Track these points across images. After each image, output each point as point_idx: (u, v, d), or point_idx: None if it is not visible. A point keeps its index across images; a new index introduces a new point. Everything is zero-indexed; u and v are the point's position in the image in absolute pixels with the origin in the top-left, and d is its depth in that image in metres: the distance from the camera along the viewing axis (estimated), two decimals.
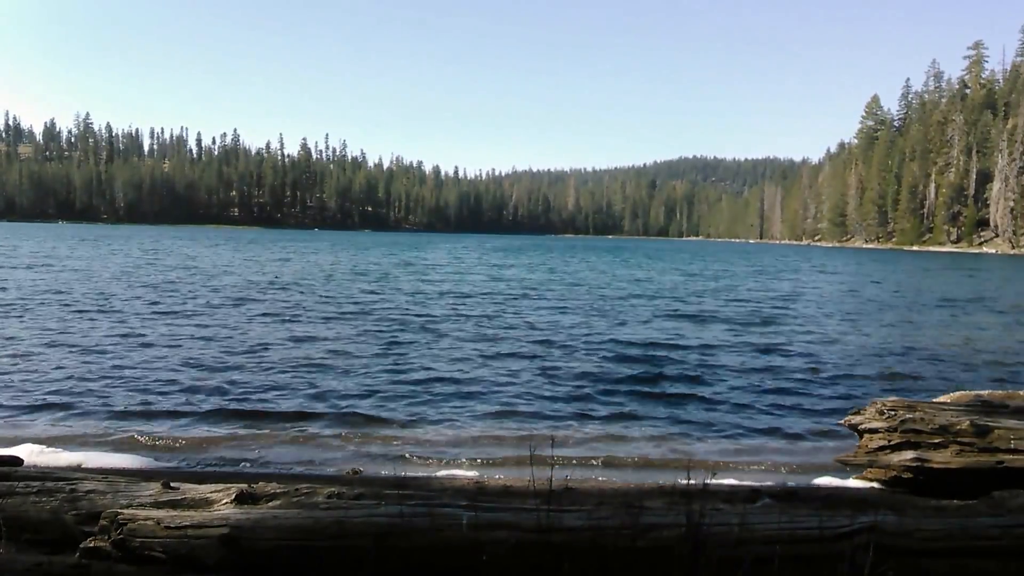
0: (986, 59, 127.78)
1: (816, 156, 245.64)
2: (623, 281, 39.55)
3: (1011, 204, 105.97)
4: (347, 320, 20.12)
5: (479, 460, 8.62)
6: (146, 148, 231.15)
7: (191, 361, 13.66)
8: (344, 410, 10.56)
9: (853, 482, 7.57)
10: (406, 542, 3.59)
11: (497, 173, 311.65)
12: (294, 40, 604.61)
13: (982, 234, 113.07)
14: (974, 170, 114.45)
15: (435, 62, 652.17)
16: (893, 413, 7.00)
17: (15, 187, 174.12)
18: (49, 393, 11.03)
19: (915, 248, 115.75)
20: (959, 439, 6.69)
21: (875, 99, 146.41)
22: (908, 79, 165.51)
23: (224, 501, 4.19)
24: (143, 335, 16.38)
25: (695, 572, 3.40)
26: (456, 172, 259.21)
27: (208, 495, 4.31)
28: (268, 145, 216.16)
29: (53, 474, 5.07)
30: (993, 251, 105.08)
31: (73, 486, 4.59)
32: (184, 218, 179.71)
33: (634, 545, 3.52)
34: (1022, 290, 38.92)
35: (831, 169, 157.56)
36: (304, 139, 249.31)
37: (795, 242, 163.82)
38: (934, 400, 7.55)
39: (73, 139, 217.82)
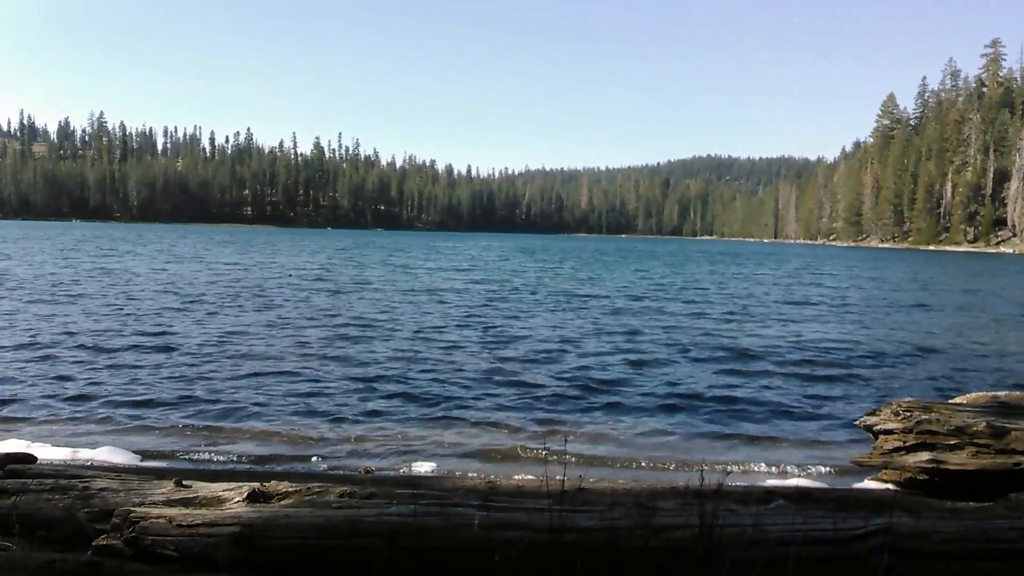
0: (1004, 57, 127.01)
1: (831, 155, 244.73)
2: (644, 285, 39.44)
3: None
4: (362, 323, 20.17)
5: (492, 460, 8.62)
6: (159, 147, 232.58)
7: (204, 361, 13.72)
8: (357, 410, 10.58)
9: (868, 483, 7.51)
10: (418, 541, 3.58)
11: (510, 172, 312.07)
12: (307, 39, 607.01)
13: (999, 233, 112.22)
14: (991, 169, 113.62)
15: (448, 61, 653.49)
16: (909, 414, 6.94)
17: (30, 186, 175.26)
18: (63, 391, 11.11)
19: (931, 248, 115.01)
20: (976, 440, 6.63)
21: (891, 98, 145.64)
22: (925, 77, 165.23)
23: (236, 500, 4.19)
24: (159, 334, 16.47)
25: (708, 573, 3.38)
26: (469, 171, 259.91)
27: (220, 494, 4.31)
28: (281, 144, 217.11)
29: (66, 472, 5.10)
30: (1010, 251, 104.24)
31: (86, 484, 4.61)
32: (197, 217, 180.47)
33: (647, 546, 3.50)
34: None
35: (846, 168, 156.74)
36: (317, 138, 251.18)
37: (810, 241, 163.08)
38: (950, 401, 7.48)
39: (87, 138, 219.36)
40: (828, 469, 8.46)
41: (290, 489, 4.30)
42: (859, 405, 10.82)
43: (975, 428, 6.66)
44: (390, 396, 11.35)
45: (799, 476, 8.12)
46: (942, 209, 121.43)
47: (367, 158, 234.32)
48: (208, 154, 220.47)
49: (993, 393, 7.69)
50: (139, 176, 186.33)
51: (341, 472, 7.84)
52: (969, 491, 6.48)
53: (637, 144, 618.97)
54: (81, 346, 14.67)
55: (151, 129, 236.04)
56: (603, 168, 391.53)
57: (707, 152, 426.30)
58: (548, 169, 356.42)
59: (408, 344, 16.01)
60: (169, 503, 4.24)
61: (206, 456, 8.55)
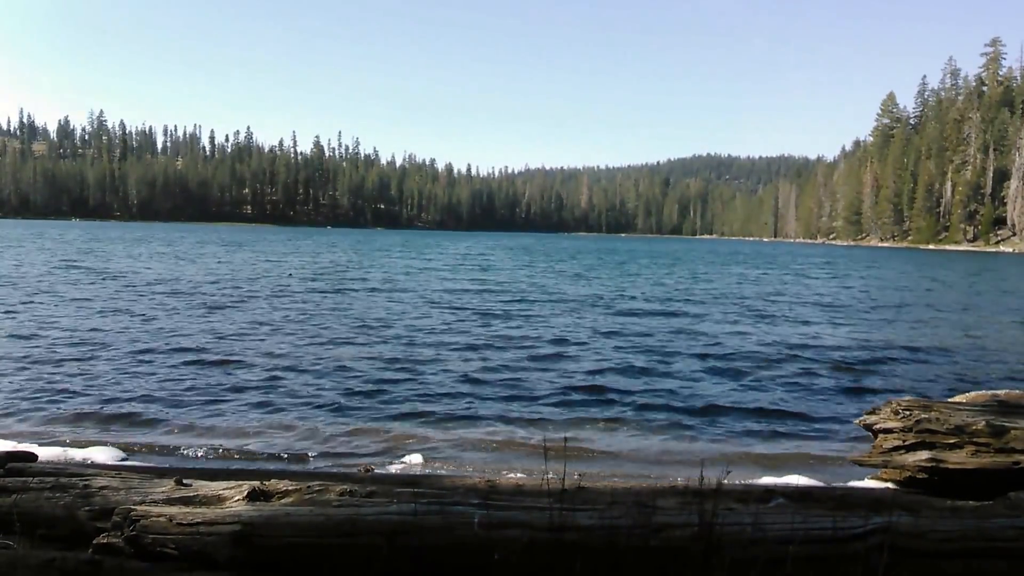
0: (1004, 56, 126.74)
1: (831, 154, 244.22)
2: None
3: None
4: (347, 322, 20.16)
5: (492, 459, 8.63)
6: (159, 146, 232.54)
7: (202, 359, 13.72)
8: (357, 409, 10.59)
9: (868, 482, 7.52)
10: (418, 540, 3.58)
11: (510, 171, 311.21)
12: (308, 38, 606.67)
13: (999, 233, 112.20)
14: (991, 168, 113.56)
15: (448, 60, 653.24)
16: (908, 413, 6.95)
17: (29, 184, 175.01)
18: (63, 390, 11.11)
19: (931, 247, 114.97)
20: (975, 439, 6.64)
21: (891, 97, 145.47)
22: (925, 76, 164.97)
23: (236, 498, 4.19)
24: (154, 335, 16.48)
25: (708, 572, 3.39)
26: (469, 170, 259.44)
27: (220, 492, 4.31)
28: (281, 143, 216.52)
29: (67, 470, 5.10)
30: (1010, 250, 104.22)
31: (87, 482, 4.61)
32: (197, 216, 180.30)
33: (647, 545, 3.50)
34: None
35: (846, 167, 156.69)
36: (317, 137, 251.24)
37: (809, 240, 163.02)
38: (950, 400, 7.49)
39: (87, 137, 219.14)
40: (827, 468, 8.46)
41: (290, 488, 4.31)
42: (859, 404, 10.82)
43: (974, 427, 6.66)
44: (390, 396, 11.36)
45: (798, 475, 8.12)
46: (942, 208, 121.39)
47: (367, 157, 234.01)
48: (208, 153, 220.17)
49: (992, 392, 7.71)
50: (139, 175, 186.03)
51: (341, 471, 7.84)
52: (968, 490, 6.49)
53: (637, 143, 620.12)
54: (75, 346, 14.66)
55: (151, 128, 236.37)
56: (603, 167, 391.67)
57: (707, 151, 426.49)
58: (548, 168, 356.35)
59: (407, 345, 16.01)
60: (169, 502, 4.24)
61: (204, 455, 8.55)
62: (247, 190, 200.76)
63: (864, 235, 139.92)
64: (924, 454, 6.80)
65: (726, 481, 4.05)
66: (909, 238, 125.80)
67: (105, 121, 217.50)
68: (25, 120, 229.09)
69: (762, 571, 3.30)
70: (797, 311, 24.87)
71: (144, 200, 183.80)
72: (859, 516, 3.77)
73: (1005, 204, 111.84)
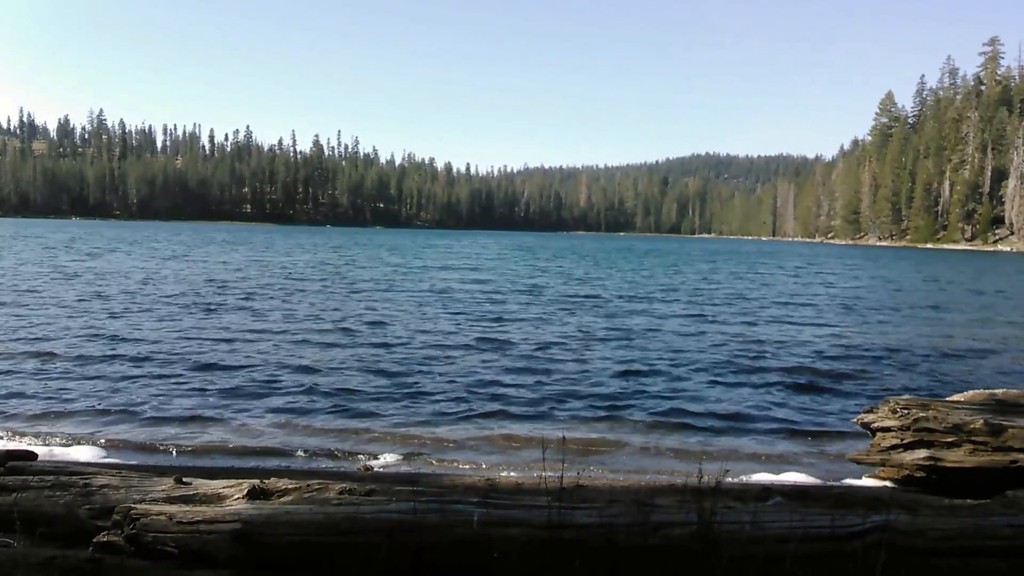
0: (1002, 56, 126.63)
1: (830, 153, 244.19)
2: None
3: None
4: (345, 323, 20.15)
5: (491, 458, 8.64)
6: (159, 145, 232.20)
7: (200, 359, 13.72)
8: (355, 408, 10.59)
9: (866, 481, 7.54)
10: (417, 538, 3.59)
11: (509, 170, 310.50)
12: (306, 37, 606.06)
13: (997, 232, 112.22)
14: (989, 167, 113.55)
15: (447, 59, 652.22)
16: (906, 412, 6.96)
17: (29, 183, 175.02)
18: (62, 390, 11.11)
19: (929, 246, 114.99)
20: (973, 438, 6.65)
21: (889, 96, 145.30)
22: (923, 76, 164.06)
23: (236, 497, 4.20)
24: (151, 335, 16.47)
25: (706, 570, 3.40)
26: (468, 169, 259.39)
27: (220, 491, 4.32)
28: (280, 142, 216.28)
29: (67, 469, 5.11)
30: (1008, 249, 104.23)
31: (87, 481, 4.62)
32: (196, 215, 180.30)
33: (645, 543, 3.52)
34: None
35: (845, 166, 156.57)
36: (316, 136, 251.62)
37: (808, 240, 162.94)
38: (948, 399, 7.51)
39: (87, 136, 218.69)
40: (826, 466, 8.47)
41: (290, 486, 4.32)
42: (857, 403, 10.83)
43: (972, 426, 6.68)
44: (389, 396, 11.36)
45: (796, 473, 8.14)
46: (940, 207, 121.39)
47: (366, 156, 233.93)
48: (207, 152, 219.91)
49: (991, 391, 7.72)
50: (139, 174, 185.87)
51: (340, 469, 7.85)
52: (966, 488, 6.50)
53: (636, 142, 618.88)
54: (69, 346, 14.65)
55: (150, 127, 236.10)
56: (602, 166, 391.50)
57: (705, 150, 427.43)
58: (547, 167, 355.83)
59: (405, 345, 16.00)
60: (169, 500, 4.25)
61: (203, 453, 8.56)
62: (247, 189, 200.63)
63: (862, 234, 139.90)
64: (922, 453, 6.82)
65: (724, 480, 4.06)
66: (907, 237, 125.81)
67: (105, 120, 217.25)
68: (25, 119, 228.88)
69: (761, 569, 3.32)
70: (796, 311, 24.88)
71: (144, 199, 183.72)
72: (857, 514, 3.79)
73: (1003, 203, 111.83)
